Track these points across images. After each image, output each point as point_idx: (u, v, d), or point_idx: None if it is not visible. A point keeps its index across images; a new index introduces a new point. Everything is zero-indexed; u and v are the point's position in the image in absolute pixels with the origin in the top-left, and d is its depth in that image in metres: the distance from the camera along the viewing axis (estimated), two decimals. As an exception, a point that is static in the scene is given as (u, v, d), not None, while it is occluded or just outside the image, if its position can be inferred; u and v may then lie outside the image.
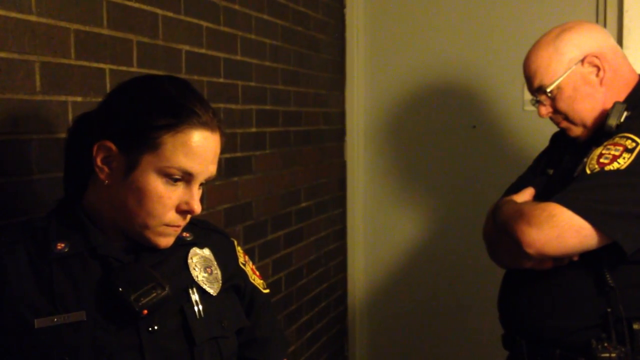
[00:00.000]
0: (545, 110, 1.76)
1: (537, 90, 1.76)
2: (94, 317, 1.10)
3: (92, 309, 1.10)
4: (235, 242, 1.36)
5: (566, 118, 1.75)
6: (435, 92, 3.05)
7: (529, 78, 1.78)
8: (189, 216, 1.16)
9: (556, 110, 1.75)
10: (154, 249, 1.16)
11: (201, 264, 1.23)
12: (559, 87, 1.72)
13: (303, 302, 2.71)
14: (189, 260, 1.22)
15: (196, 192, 1.13)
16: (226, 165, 2.10)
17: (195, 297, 1.18)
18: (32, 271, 1.10)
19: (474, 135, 2.99)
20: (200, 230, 1.28)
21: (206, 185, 1.14)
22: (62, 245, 1.12)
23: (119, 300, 1.09)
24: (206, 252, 1.25)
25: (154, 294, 1.10)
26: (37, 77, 1.36)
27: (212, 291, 1.21)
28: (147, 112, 1.10)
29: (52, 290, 1.09)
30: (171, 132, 1.09)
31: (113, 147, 1.11)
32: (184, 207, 1.13)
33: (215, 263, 1.25)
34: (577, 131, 1.76)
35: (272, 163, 2.44)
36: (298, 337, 2.66)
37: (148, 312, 1.10)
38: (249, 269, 1.35)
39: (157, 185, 1.11)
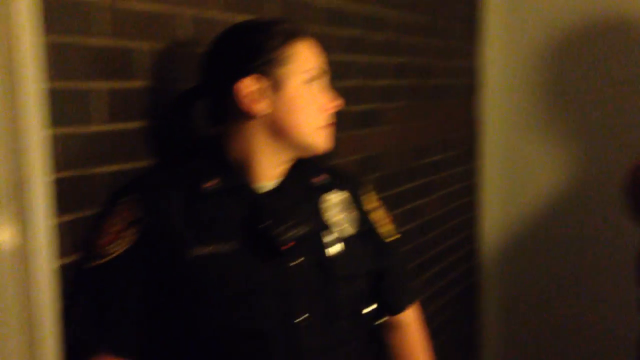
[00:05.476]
0: None
1: None
2: (240, 250, 1.17)
3: (239, 242, 1.17)
4: (368, 188, 1.41)
5: None
6: (599, 39, 2.68)
7: None
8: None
9: None
10: (293, 184, 1.25)
11: (336, 207, 1.29)
12: None
13: (431, 255, 2.57)
14: (325, 203, 1.28)
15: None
16: (358, 117, 2.14)
17: (330, 237, 1.24)
18: (184, 207, 1.18)
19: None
20: (334, 175, 1.34)
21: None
22: (211, 183, 1.20)
23: (264, 235, 1.16)
24: (341, 197, 1.31)
25: (296, 230, 1.17)
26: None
27: (346, 233, 1.27)
28: (267, 37, 1.21)
29: (203, 224, 1.17)
30: (293, 41, 1.22)
31: (255, 79, 1.20)
32: (330, 103, 1.25)
33: (350, 207, 1.31)
34: None
35: (403, 116, 2.43)
36: (427, 288, 2.67)
37: (290, 247, 1.17)
38: (380, 214, 1.41)
39: (305, 90, 1.22)
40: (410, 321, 1.45)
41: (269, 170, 1.24)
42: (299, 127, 1.22)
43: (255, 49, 1.21)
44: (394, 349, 1.44)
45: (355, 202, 1.33)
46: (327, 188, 1.30)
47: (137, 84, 1.32)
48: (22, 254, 1.01)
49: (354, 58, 2.08)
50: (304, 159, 1.29)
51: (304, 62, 1.22)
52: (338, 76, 1.93)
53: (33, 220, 1.02)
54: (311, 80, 1.22)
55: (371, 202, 1.40)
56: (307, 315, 1.18)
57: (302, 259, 1.20)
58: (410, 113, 2.50)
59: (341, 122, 1.96)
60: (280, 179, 1.26)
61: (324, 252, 1.22)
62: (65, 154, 1.17)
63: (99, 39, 1.23)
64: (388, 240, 1.41)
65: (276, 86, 1.21)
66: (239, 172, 1.23)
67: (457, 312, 2.97)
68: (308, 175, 1.29)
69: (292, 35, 1.23)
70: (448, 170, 2.83)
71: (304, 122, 1.22)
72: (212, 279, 1.16)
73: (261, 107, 1.21)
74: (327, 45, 1.88)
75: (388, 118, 2.32)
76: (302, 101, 1.22)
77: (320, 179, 1.30)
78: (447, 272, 2.86)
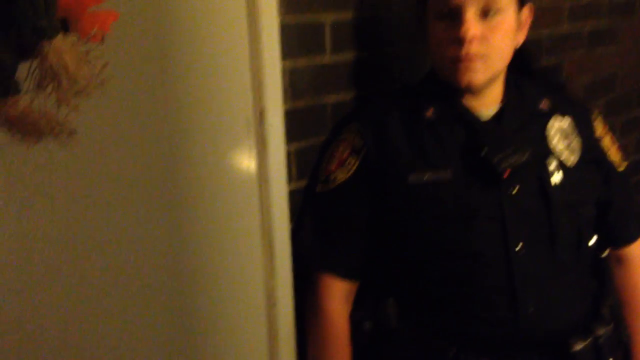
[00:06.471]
0: None
1: None
2: (459, 176, 1.17)
3: (457, 169, 1.17)
4: (595, 113, 1.34)
5: None
6: None
7: None
8: (473, 47, 1.13)
9: None
10: (512, 116, 1.21)
11: (560, 134, 1.24)
12: None
13: None
14: (548, 130, 1.23)
15: (468, 19, 1.12)
16: (589, 36, 2.00)
17: (553, 165, 1.20)
18: (405, 132, 1.21)
19: None
20: (559, 100, 1.28)
21: (499, 15, 1.13)
22: (431, 111, 1.21)
23: (483, 161, 1.15)
24: (565, 122, 1.25)
25: (515, 157, 1.14)
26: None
27: (570, 161, 1.22)
28: None
29: (423, 150, 1.19)
30: None
31: (419, 11, 1.22)
32: (454, 35, 1.13)
33: (574, 134, 1.25)
34: None
35: (640, 32, 2.23)
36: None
37: (509, 174, 1.15)
38: (607, 141, 1.33)
39: (433, 26, 1.17)
40: (637, 255, 1.38)
41: (479, 98, 1.21)
42: (436, 63, 1.20)
43: None
44: (618, 283, 1.38)
45: (580, 128, 1.26)
46: (552, 113, 1.25)
47: (360, 14, 1.35)
48: (262, 177, 1.12)
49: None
50: (527, 83, 1.26)
51: None
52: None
53: (270, 147, 1.12)
54: (439, 15, 1.16)
55: (599, 128, 1.32)
56: (524, 242, 1.16)
57: (522, 186, 1.16)
58: (648, 29, 2.29)
59: (569, 42, 1.85)
60: (501, 105, 1.23)
61: (546, 180, 1.18)
62: (296, 85, 1.25)
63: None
64: (619, 169, 1.33)
65: (423, 19, 1.20)
66: (459, 100, 1.21)
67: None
68: (532, 100, 1.25)
69: None
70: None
71: (437, 57, 1.18)
72: (430, 205, 1.17)
73: (424, 39, 1.21)
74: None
75: (622, 35, 2.13)
76: (433, 37, 1.17)
77: (545, 104, 1.25)
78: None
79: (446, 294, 1.18)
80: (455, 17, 1.13)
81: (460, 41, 1.12)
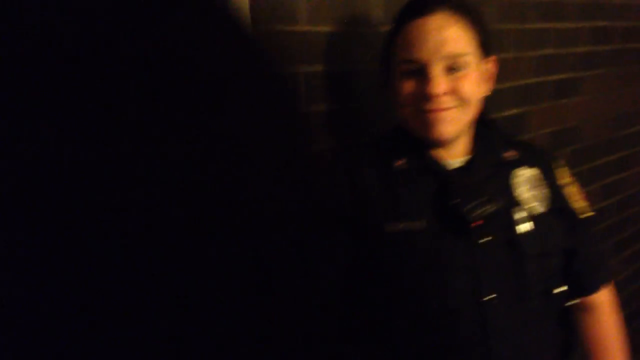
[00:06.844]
0: None
1: None
2: (432, 226, 1.17)
3: (430, 219, 1.17)
4: (561, 163, 1.36)
5: None
6: None
7: None
8: (442, 101, 1.16)
9: None
10: (479, 164, 1.23)
11: (527, 183, 1.25)
12: None
13: (630, 234, 2.50)
14: (516, 179, 1.24)
15: (435, 76, 1.14)
16: (554, 87, 2.05)
17: (521, 214, 1.20)
18: (378, 183, 1.21)
19: None
20: (525, 150, 1.30)
21: (465, 69, 1.15)
22: (401, 162, 1.22)
23: (454, 212, 1.15)
24: (532, 171, 1.27)
25: (486, 207, 1.15)
26: None
27: (538, 210, 1.23)
28: (395, 20, 1.22)
29: (396, 200, 1.19)
30: (397, 37, 1.19)
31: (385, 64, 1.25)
32: (422, 91, 1.16)
33: (541, 183, 1.27)
34: None
35: (604, 84, 2.30)
36: (627, 266, 2.53)
37: (479, 224, 1.15)
38: (573, 190, 1.35)
39: (399, 83, 1.19)
40: (603, 303, 1.38)
41: (448, 149, 1.23)
42: (404, 117, 1.21)
43: (390, 31, 1.23)
44: (585, 331, 1.39)
45: (547, 178, 1.27)
46: (518, 163, 1.26)
47: (332, 68, 1.38)
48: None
49: (549, 25, 1.99)
50: (493, 134, 1.28)
51: (400, 51, 1.18)
52: (532, 45, 1.87)
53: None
54: (403, 72, 1.17)
55: (564, 177, 1.34)
56: (495, 294, 1.15)
57: (492, 236, 1.16)
58: (610, 80, 2.35)
59: (534, 93, 1.90)
60: (470, 155, 1.24)
61: (514, 230, 1.18)
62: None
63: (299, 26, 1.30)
64: (582, 216, 1.34)
65: (389, 77, 1.22)
66: (426, 151, 1.23)
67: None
68: (498, 150, 1.26)
69: (400, 22, 1.18)
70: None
71: (406, 112, 1.20)
72: (403, 256, 1.16)
73: (389, 94, 1.23)
74: (520, 13, 1.82)
75: (586, 87, 2.20)
76: (401, 94, 1.19)
77: (511, 154, 1.26)
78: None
79: (420, 346, 1.18)
80: (422, 73, 1.16)
81: (428, 97, 1.15)
